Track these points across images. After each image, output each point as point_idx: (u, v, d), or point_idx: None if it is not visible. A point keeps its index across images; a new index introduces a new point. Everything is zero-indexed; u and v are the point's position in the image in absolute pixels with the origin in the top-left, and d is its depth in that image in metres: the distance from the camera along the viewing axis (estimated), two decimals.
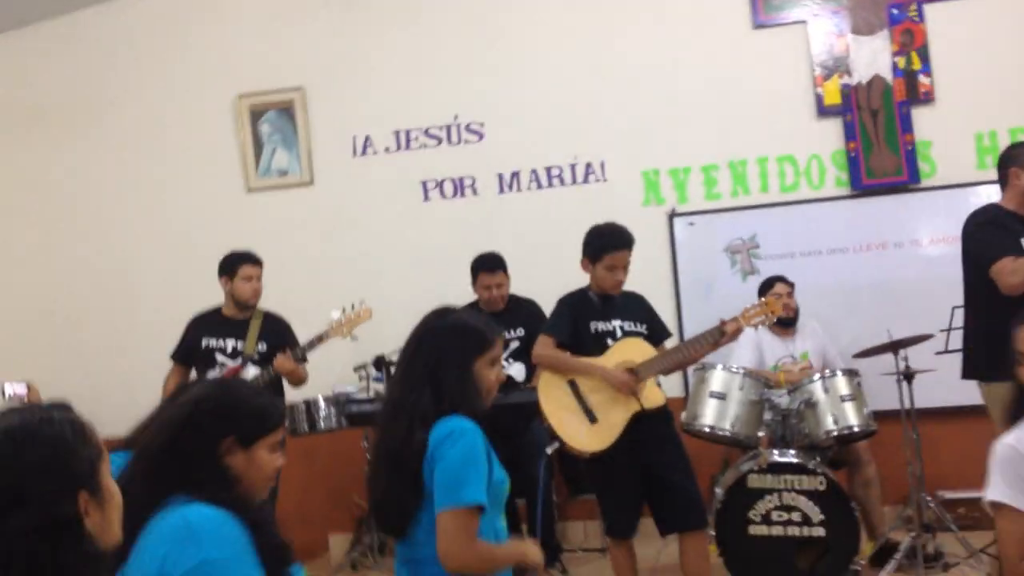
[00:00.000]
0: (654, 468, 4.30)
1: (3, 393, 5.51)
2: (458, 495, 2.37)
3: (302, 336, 5.18)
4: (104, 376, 6.51)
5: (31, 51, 6.98)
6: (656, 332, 4.52)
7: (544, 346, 4.46)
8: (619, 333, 4.41)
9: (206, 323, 5.28)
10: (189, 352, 5.26)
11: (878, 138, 6.04)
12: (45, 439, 1.44)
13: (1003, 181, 4.21)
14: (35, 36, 6.98)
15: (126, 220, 6.86)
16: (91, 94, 6.91)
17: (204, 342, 5.20)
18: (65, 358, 6.65)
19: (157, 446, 2.03)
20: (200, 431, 2.03)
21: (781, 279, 5.51)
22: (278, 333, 5.23)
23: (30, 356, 6.09)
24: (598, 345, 4.39)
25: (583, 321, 4.43)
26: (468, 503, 2.37)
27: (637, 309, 4.53)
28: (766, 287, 5.44)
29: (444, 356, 2.53)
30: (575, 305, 4.49)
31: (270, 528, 1.99)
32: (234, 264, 5.20)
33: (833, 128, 6.16)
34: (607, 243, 4.41)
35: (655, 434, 4.33)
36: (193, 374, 5.27)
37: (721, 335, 4.29)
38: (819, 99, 6.17)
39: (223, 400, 2.09)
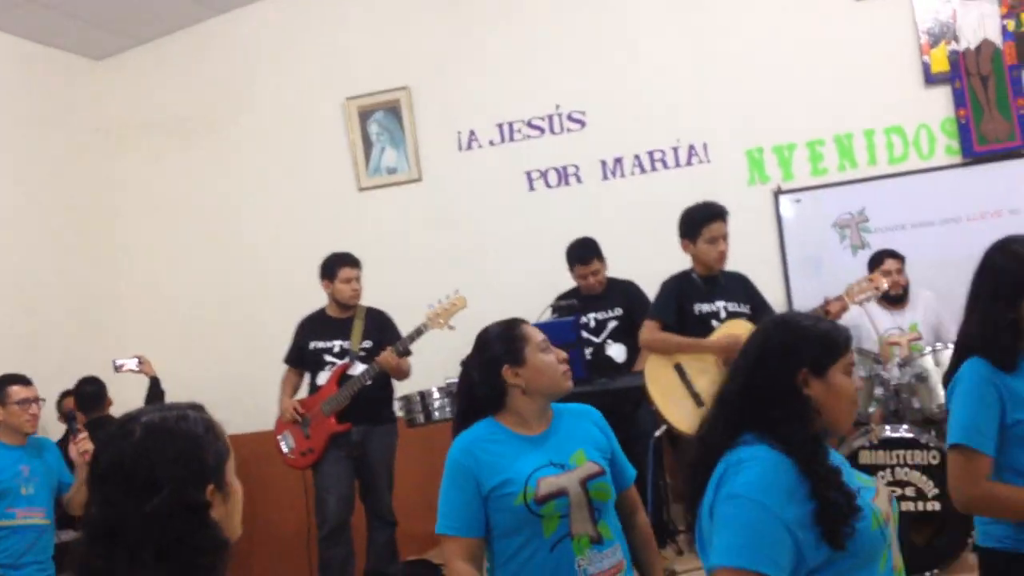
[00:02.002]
0: None
1: (116, 368, 5.84)
2: None
3: (406, 329, 5.31)
4: (231, 376, 6.79)
5: (155, 67, 7.32)
6: (760, 312, 4.54)
7: (650, 330, 4.53)
8: (723, 314, 4.45)
9: (312, 326, 5.48)
10: (300, 354, 5.47)
11: (989, 104, 5.88)
12: (180, 434, 1.58)
13: None
14: (160, 51, 7.32)
15: (248, 223, 7.14)
16: (211, 104, 7.22)
17: (311, 344, 5.40)
18: (195, 355, 6.96)
19: (734, 391, 2.12)
20: (771, 370, 2.07)
21: (891, 254, 5.43)
22: (381, 329, 5.40)
23: (162, 352, 6.39)
24: (703, 327, 4.44)
25: (687, 303, 4.48)
26: None
27: (740, 289, 4.57)
28: (876, 262, 5.37)
29: None
30: (679, 287, 4.54)
31: (834, 479, 1.96)
32: (333, 267, 5.39)
33: (941, 96, 6.02)
34: (702, 216, 4.48)
35: None
36: (307, 378, 5.48)
37: (825, 314, 4.28)
38: (926, 67, 6.04)
39: (787, 335, 2.12)
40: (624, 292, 5.57)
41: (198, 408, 1.67)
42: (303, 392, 5.52)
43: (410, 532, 5.79)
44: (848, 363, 2.09)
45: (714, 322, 4.44)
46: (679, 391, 4.38)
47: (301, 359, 5.47)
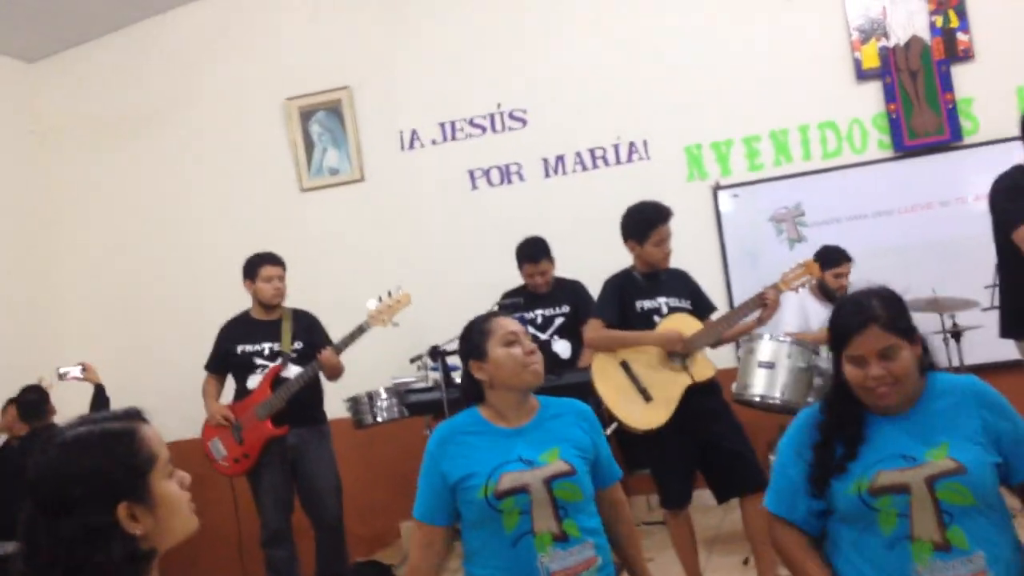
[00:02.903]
0: (709, 439, 4.39)
1: (60, 376, 5.70)
2: None
3: (348, 330, 5.20)
4: (173, 376, 6.71)
5: (92, 67, 7.25)
6: (701, 306, 4.61)
7: (595, 329, 4.57)
8: (665, 310, 4.50)
9: (237, 329, 5.34)
10: (224, 360, 5.33)
11: (919, 98, 6.04)
12: (91, 451, 1.58)
13: None
14: (95, 53, 7.24)
15: (189, 225, 7.10)
16: (151, 105, 7.16)
17: (239, 348, 5.27)
18: (136, 359, 6.89)
19: None
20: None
21: (847, 257, 5.51)
22: (310, 330, 5.31)
23: (102, 358, 6.30)
24: (645, 323, 4.49)
25: (629, 300, 4.53)
26: None
27: (681, 285, 4.62)
28: (832, 262, 5.43)
29: None
30: (621, 286, 4.58)
31: (839, 439, 2.34)
32: (255, 266, 5.27)
33: (873, 91, 6.17)
34: (652, 219, 4.51)
35: (707, 406, 4.42)
36: (232, 381, 5.35)
37: (762, 303, 4.37)
38: (857, 63, 6.18)
39: None
40: (571, 291, 5.65)
41: (132, 416, 1.67)
42: (227, 397, 5.38)
43: (356, 533, 5.80)
44: (852, 355, 2.29)
45: (656, 318, 4.49)
46: (627, 387, 4.43)
47: (225, 364, 5.34)
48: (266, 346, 5.23)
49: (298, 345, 5.22)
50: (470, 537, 2.65)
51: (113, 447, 1.59)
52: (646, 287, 4.56)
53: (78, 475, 1.55)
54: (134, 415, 1.67)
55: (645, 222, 4.51)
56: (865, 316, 2.29)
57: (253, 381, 5.20)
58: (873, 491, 2.24)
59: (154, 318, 7.07)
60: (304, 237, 6.61)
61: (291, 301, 5.43)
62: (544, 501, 2.55)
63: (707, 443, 4.39)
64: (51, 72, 7.31)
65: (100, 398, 5.44)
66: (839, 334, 2.32)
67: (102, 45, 7.22)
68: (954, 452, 2.24)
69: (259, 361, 5.22)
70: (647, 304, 4.53)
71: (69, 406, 5.27)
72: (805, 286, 4.57)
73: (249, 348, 5.25)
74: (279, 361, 5.19)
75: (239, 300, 5.81)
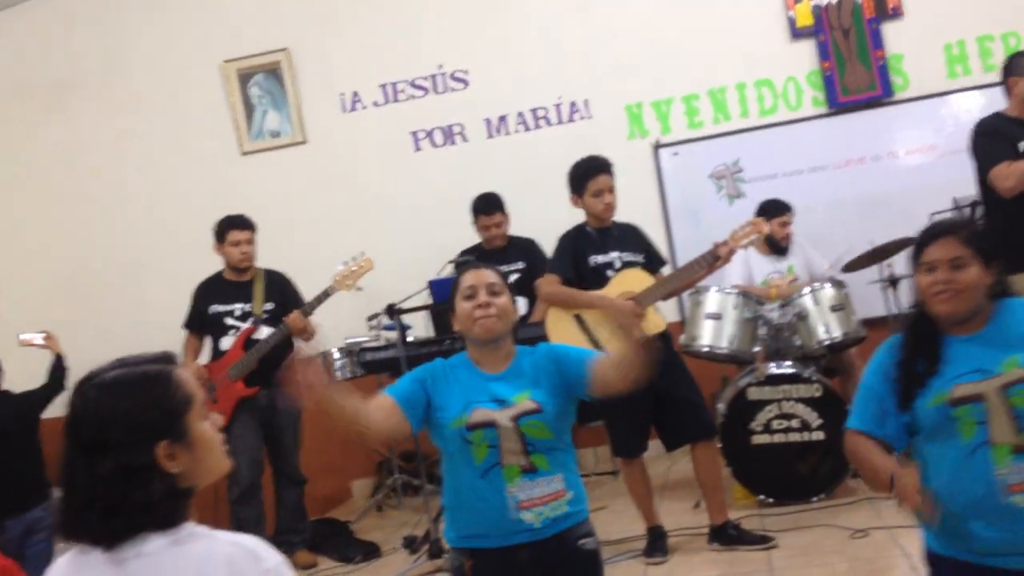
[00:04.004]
0: (660, 389, 4.49)
1: (21, 342, 5.61)
2: None
3: (303, 292, 5.31)
4: (115, 342, 6.60)
5: (22, 31, 7.07)
6: (653, 261, 4.72)
7: (550, 284, 4.66)
8: (618, 264, 4.61)
9: (210, 290, 5.44)
10: (200, 319, 5.43)
11: (851, 55, 6.22)
12: (130, 393, 1.61)
13: (1007, 89, 4.42)
14: (25, 16, 7.06)
15: (128, 191, 7.01)
16: (85, 70, 7.02)
17: (211, 308, 5.37)
18: (77, 327, 6.73)
19: None
20: None
21: (788, 207, 5.65)
22: (282, 290, 5.41)
23: (44, 326, 6.24)
24: (598, 277, 4.59)
25: (582, 255, 4.63)
26: None
27: (633, 240, 4.73)
28: (775, 213, 5.54)
29: None
30: (574, 241, 4.68)
31: (917, 357, 2.46)
32: (223, 230, 5.36)
33: (807, 49, 6.34)
34: (586, 171, 4.64)
35: (658, 357, 4.55)
36: (208, 341, 5.43)
37: (715, 258, 4.50)
38: (791, 22, 6.33)
39: None
40: (525, 248, 5.77)
41: (165, 359, 1.70)
42: (204, 357, 5.46)
43: (313, 493, 5.85)
44: (924, 261, 2.44)
45: (609, 272, 4.59)
46: (580, 340, 4.51)
47: (201, 324, 5.43)
48: (237, 307, 5.33)
49: (269, 306, 5.32)
50: (446, 467, 2.80)
51: (152, 388, 1.63)
52: (599, 242, 4.65)
53: (118, 416, 1.58)
54: (168, 358, 1.71)
55: (582, 175, 4.64)
56: (945, 227, 2.48)
57: (226, 342, 5.31)
58: (952, 402, 2.37)
59: (95, 287, 6.99)
60: (246, 201, 6.49)
61: None
62: (512, 436, 2.66)
63: (659, 392, 4.52)
64: None
65: (58, 367, 5.38)
66: (918, 245, 2.47)
67: (34, 8, 7.04)
68: None
69: (230, 322, 5.32)
70: (600, 259, 4.63)
71: (31, 373, 5.19)
72: (754, 244, 4.72)
73: (221, 308, 5.35)
74: (251, 323, 5.26)
75: (181, 266, 5.81)
